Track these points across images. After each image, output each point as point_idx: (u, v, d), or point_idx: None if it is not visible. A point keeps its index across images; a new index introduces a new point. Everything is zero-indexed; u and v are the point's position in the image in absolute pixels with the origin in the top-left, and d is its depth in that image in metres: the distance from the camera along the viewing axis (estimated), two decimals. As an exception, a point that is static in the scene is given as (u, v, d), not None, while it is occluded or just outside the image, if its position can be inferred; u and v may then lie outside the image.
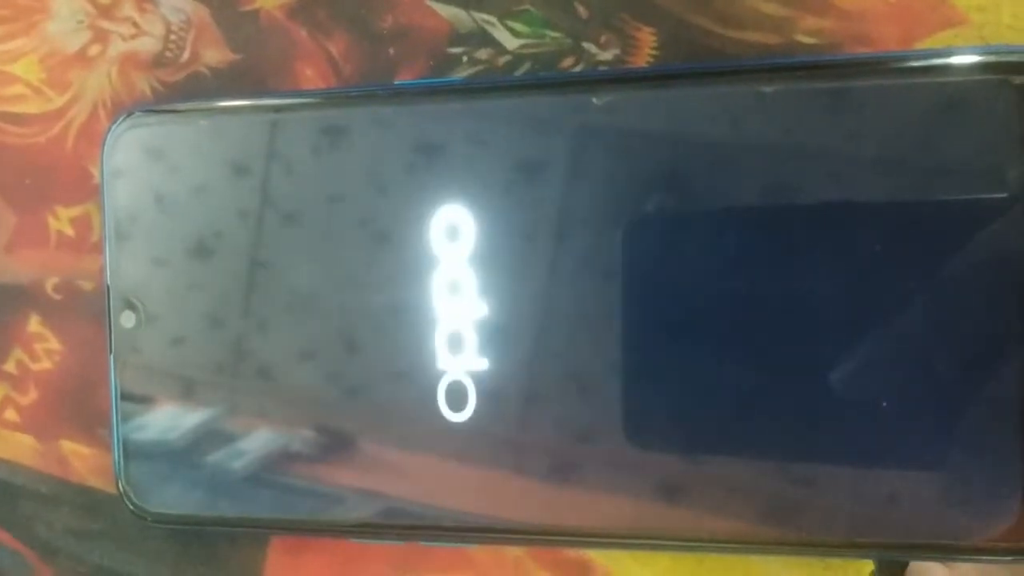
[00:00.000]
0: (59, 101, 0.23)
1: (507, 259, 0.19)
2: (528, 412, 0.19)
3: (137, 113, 0.21)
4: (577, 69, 0.20)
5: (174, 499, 0.21)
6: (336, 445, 0.20)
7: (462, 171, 0.19)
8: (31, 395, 0.24)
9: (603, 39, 0.20)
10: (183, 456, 0.21)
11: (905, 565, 0.20)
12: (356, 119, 0.20)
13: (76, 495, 0.24)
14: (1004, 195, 0.17)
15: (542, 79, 0.20)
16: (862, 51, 0.19)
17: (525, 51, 0.20)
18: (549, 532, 0.19)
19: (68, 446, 0.24)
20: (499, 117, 0.19)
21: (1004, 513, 0.17)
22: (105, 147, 0.21)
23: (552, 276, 0.19)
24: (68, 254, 0.23)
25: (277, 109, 0.20)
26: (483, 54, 0.20)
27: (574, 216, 0.19)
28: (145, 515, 0.22)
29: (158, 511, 0.22)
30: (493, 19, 0.20)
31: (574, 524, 0.19)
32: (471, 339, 0.19)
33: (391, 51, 0.21)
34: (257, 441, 0.21)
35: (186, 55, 0.22)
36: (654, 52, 0.19)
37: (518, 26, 0.20)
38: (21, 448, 0.24)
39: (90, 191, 0.23)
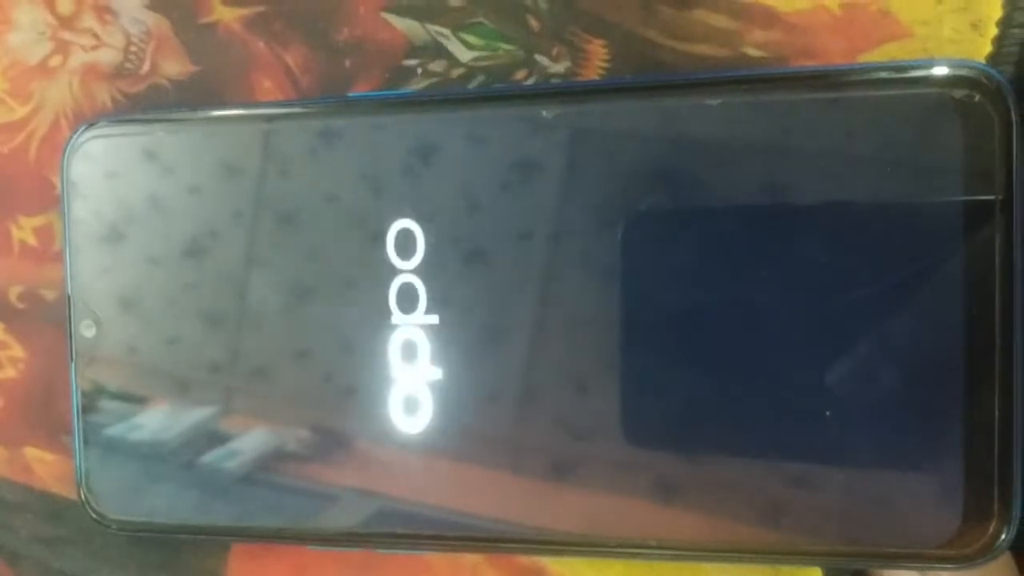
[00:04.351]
0: (21, 111, 0.23)
1: (460, 268, 0.19)
2: (481, 421, 0.19)
3: (98, 123, 0.21)
4: (529, 81, 0.20)
5: (136, 506, 0.22)
6: (295, 454, 0.20)
7: (415, 182, 0.19)
8: (-4, 403, 0.24)
9: (555, 51, 0.20)
10: (145, 464, 0.21)
11: (853, 572, 0.20)
12: (312, 131, 0.20)
13: (40, 502, 0.24)
14: (947, 205, 0.17)
15: (497, 91, 0.20)
16: (808, 64, 0.19)
17: (478, 63, 0.20)
18: (504, 540, 0.20)
19: (32, 453, 0.24)
20: (449, 128, 0.19)
21: (946, 522, 0.17)
22: (65, 157, 0.21)
23: (501, 288, 0.19)
24: (31, 263, 0.23)
25: (236, 120, 0.20)
26: (437, 66, 0.20)
27: (536, 225, 0.19)
28: (107, 522, 0.22)
29: (120, 518, 0.22)
30: (447, 32, 0.20)
31: (528, 531, 0.19)
32: (426, 348, 0.19)
33: (348, 63, 0.21)
34: (218, 449, 0.21)
35: (146, 66, 0.22)
36: (605, 65, 0.20)
37: (471, 39, 0.20)
38: (-14, 455, 0.24)
39: (52, 201, 0.23)
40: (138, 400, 0.21)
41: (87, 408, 0.22)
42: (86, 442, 0.22)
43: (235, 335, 0.21)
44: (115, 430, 0.22)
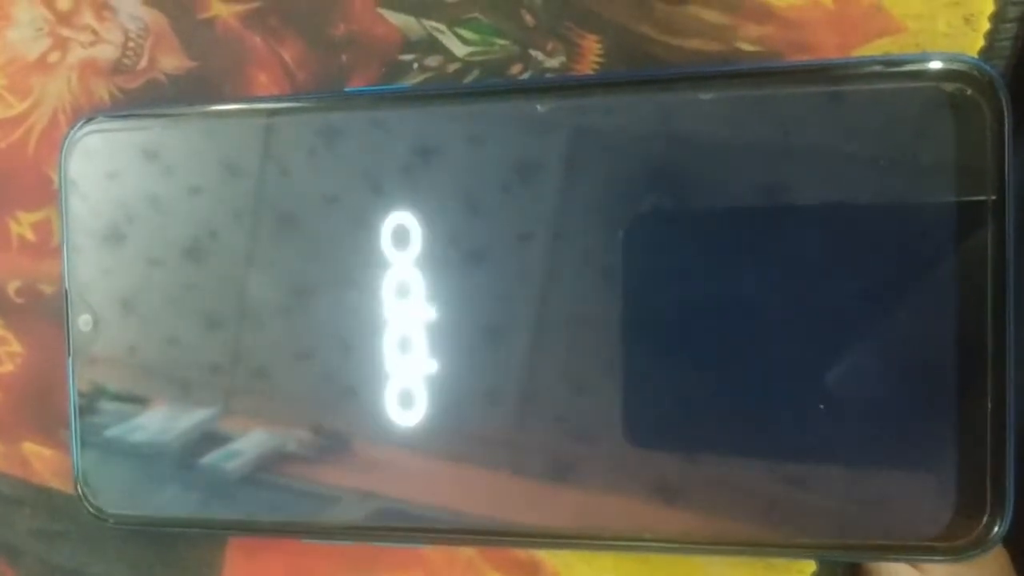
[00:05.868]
0: (20, 107, 0.23)
1: (457, 264, 0.19)
2: (476, 415, 0.19)
3: (96, 118, 0.21)
4: (524, 76, 0.20)
5: (133, 501, 0.22)
6: (291, 447, 0.21)
7: (411, 175, 0.19)
8: (-7, 397, 0.24)
9: (549, 47, 0.20)
10: (141, 458, 0.21)
11: (847, 565, 0.20)
12: (309, 125, 0.20)
13: (38, 496, 0.24)
14: (939, 198, 0.17)
15: (492, 86, 0.20)
16: (801, 58, 0.19)
17: (473, 58, 0.20)
18: (499, 533, 0.20)
19: (30, 448, 0.24)
20: (445, 122, 0.19)
21: (939, 516, 0.18)
22: (63, 152, 0.21)
23: (496, 283, 0.19)
24: (29, 258, 0.23)
25: (233, 115, 0.21)
26: (433, 61, 0.21)
27: (534, 219, 0.19)
28: (104, 517, 0.22)
29: (117, 512, 0.22)
30: (442, 27, 0.20)
31: (523, 525, 0.19)
32: (423, 343, 0.19)
33: (344, 58, 0.21)
34: (214, 443, 0.21)
35: (144, 62, 0.22)
36: (599, 59, 0.20)
37: (467, 34, 0.20)
38: (-16, 450, 0.24)
39: (51, 196, 0.23)
40: (135, 394, 0.21)
41: (84, 403, 0.22)
42: (83, 437, 0.22)
43: (234, 336, 0.21)
44: (113, 425, 0.22)
